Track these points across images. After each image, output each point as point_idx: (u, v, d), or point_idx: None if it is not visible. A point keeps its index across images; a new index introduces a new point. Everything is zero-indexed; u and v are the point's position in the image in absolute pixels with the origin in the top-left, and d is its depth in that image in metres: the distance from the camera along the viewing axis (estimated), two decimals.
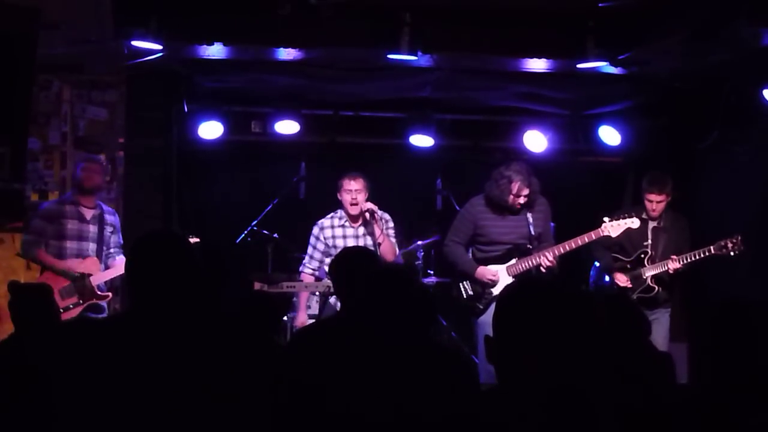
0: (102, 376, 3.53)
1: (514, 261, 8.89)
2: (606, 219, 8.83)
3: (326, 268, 9.08)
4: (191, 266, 3.85)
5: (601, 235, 8.82)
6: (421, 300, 4.87)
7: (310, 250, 9.36)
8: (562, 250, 8.77)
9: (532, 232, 8.80)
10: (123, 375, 3.54)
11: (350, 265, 5.48)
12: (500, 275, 8.86)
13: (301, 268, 9.40)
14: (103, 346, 3.62)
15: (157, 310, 3.73)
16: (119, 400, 3.51)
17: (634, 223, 8.82)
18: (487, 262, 8.96)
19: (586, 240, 8.80)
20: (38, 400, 3.64)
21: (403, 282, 4.83)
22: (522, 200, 8.83)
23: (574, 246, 8.76)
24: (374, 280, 4.93)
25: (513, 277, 8.84)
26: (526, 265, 8.83)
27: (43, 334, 5.58)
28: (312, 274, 9.31)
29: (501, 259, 8.95)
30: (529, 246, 8.85)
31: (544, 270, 8.75)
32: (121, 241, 9.29)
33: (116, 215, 9.33)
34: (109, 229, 9.11)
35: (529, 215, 8.83)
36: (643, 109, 10.99)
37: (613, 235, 8.82)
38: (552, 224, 9.43)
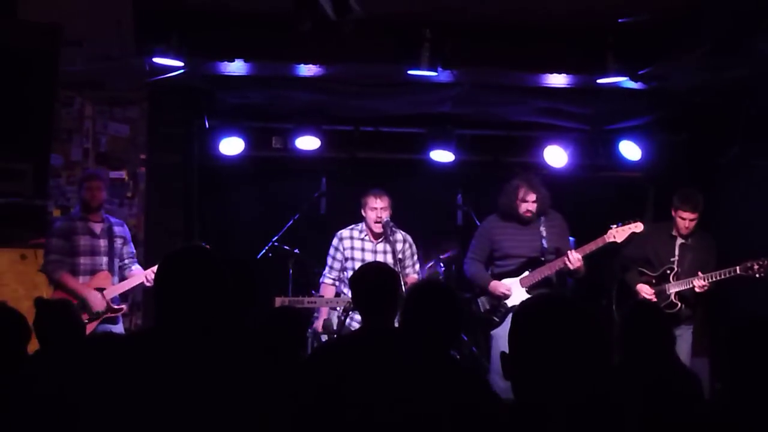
0: (127, 392, 3.54)
1: (526, 273, 8.97)
2: (612, 226, 8.90)
3: (346, 280, 9.16)
4: (222, 283, 3.83)
5: (607, 241, 8.88)
6: (457, 315, 4.96)
7: (329, 261, 9.43)
8: (580, 254, 8.82)
9: (545, 245, 8.87)
10: (149, 392, 3.54)
11: (375, 280, 5.50)
12: (514, 288, 8.95)
13: (321, 279, 9.47)
14: (130, 363, 3.62)
15: (185, 326, 3.72)
16: (144, 417, 3.51)
17: (638, 227, 8.88)
18: (503, 277, 9.04)
19: (593, 248, 8.85)
20: (63, 417, 3.64)
21: (448, 297, 4.93)
22: (530, 206, 8.93)
23: (582, 254, 8.79)
24: (421, 293, 5.01)
25: (526, 288, 8.93)
26: (540, 276, 8.90)
27: (68, 351, 5.60)
28: (332, 284, 9.37)
29: (515, 273, 9.03)
30: (542, 259, 8.91)
31: (572, 268, 8.78)
32: (134, 251, 9.33)
33: (124, 225, 9.35)
34: (119, 241, 9.12)
35: (542, 229, 8.88)
36: (663, 123, 10.98)
37: (619, 240, 8.88)
38: (572, 239, 9.44)
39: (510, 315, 8.76)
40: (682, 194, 9.06)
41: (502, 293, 8.92)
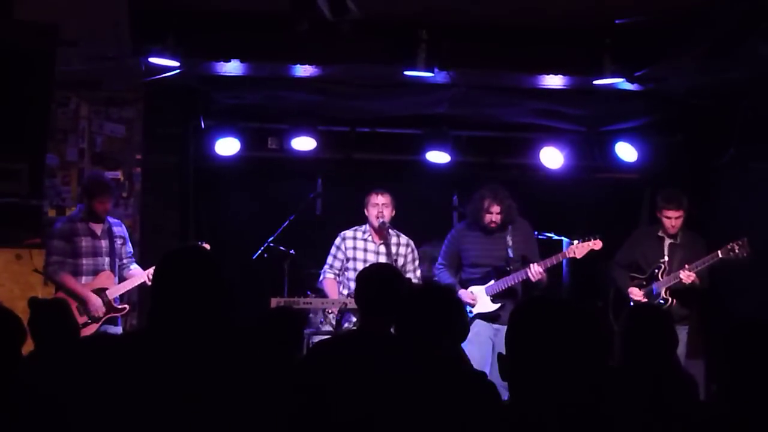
0: (123, 393, 3.52)
1: (492, 282, 9.08)
2: (574, 242, 9.01)
3: (346, 281, 9.17)
4: (220, 283, 3.81)
5: (567, 257, 9.06)
6: (454, 317, 4.95)
7: (330, 259, 9.48)
8: (542, 267, 8.91)
9: (510, 254, 9.01)
10: (144, 392, 3.53)
11: (380, 281, 5.51)
12: (479, 296, 9.08)
13: (322, 275, 9.51)
14: (125, 363, 3.60)
15: (182, 326, 3.70)
16: (140, 417, 3.50)
17: (597, 245, 8.93)
18: (470, 284, 9.18)
19: (554, 261, 8.99)
20: (58, 418, 3.62)
21: (444, 299, 4.92)
22: (495, 217, 9.08)
23: (544, 268, 8.89)
24: (417, 296, 5.01)
25: (491, 297, 9.05)
26: (504, 285, 9.01)
27: (62, 351, 5.59)
28: (334, 278, 9.40)
29: (481, 281, 9.17)
30: (508, 268, 9.02)
31: (533, 281, 8.87)
32: (131, 250, 9.32)
33: (122, 225, 9.32)
34: (119, 241, 9.10)
35: (508, 238, 9.02)
36: (660, 125, 10.97)
37: (578, 256, 9.00)
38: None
39: (475, 322, 8.86)
40: (664, 194, 9.16)
41: (467, 302, 8.96)
